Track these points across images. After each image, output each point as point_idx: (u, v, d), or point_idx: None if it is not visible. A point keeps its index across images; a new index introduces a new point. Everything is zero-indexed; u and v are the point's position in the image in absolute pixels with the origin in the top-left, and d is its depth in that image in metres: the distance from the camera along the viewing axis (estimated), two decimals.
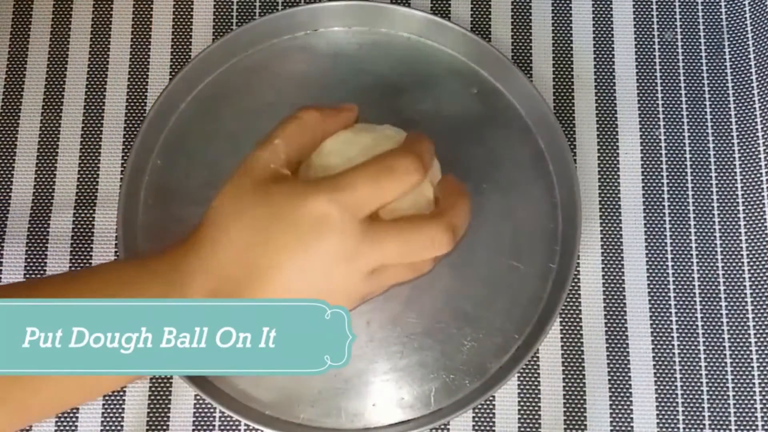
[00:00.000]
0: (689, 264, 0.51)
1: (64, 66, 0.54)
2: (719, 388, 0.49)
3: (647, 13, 0.55)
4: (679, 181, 0.52)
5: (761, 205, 0.51)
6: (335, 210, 0.35)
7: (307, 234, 0.35)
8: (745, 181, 0.52)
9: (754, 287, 0.50)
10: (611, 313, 0.50)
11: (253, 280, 0.36)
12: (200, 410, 0.49)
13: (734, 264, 0.51)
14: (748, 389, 0.49)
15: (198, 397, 0.49)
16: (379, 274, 0.37)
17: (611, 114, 0.53)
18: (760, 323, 0.49)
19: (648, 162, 0.52)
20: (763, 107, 0.53)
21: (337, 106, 0.41)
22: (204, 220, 0.38)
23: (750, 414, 0.48)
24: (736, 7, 0.55)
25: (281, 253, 0.36)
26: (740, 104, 0.53)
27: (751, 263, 0.50)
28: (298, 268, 0.36)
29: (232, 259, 0.36)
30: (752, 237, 0.51)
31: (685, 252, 0.51)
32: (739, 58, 0.54)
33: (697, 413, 0.48)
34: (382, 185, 0.36)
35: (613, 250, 0.51)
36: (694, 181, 0.52)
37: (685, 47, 0.54)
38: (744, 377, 0.49)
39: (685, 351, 0.49)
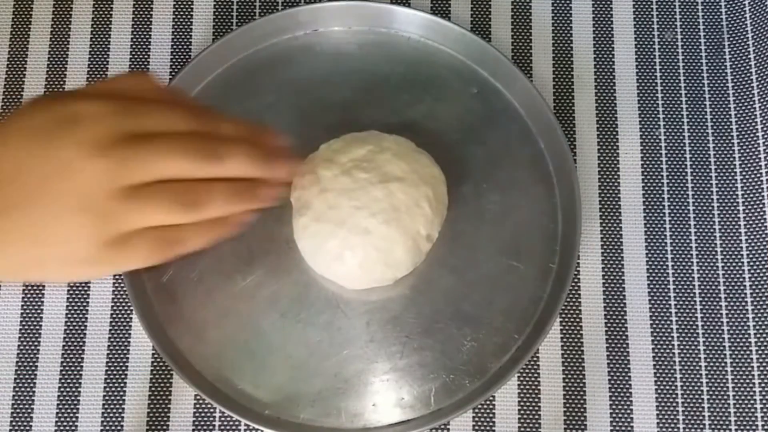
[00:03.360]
0: (689, 264, 0.51)
1: (64, 66, 0.54)
2: (719, 388, 0.49)
3: (647, 13, 0.55)
4: (679, 181, 0.52)
5: (761, 205, 0.51)
6: (102, 108, 0.35)
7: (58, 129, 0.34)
8: (745, 181, 0.52)
9: (754, 287, 0.50)
10: (611, 313, 0.50)
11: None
12: (200, 410, 0.49)
13: (734, 264, 0.51)
14: (748, 389, 0.49)
15: (198, 397, 0.49)
16: (140, 194, 0.35)
17: (611, 114, 0.53)
18: (760, 323, 0.49)
19: (648, 162, 0.52)
20: (763, 107, 0.53)
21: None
22: None
23: (750, 414, 0.48)
24: (736, 7, 0.55)
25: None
26: (740, 104, 0.53)
27: (751, 263, 0.50)
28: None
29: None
30: (752, 237, 0.51)
31: (685, 252, 0.51)
32: (739, 58, 0.54)
33: (697, 413, 0.48)
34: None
35: (613, 250, 0.51)
36: (694, 181, 0.52)
37: (685, 47, 0.54)
38: (744, 377, 0.49)
39: (685, 351, 0.49)
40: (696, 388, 0.49)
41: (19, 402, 0.49)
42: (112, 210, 0.34)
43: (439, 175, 0.48)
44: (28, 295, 0.50)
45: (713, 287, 0.50)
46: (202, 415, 0.49)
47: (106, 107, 0.35)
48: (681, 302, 0.50)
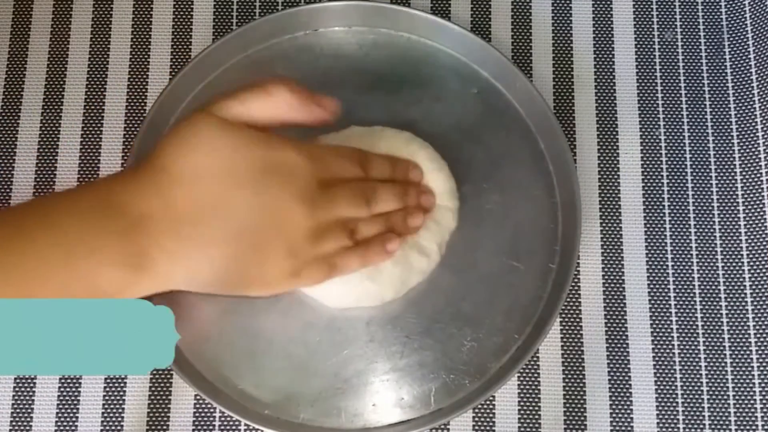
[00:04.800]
0: (689, 264, 0.51)
1: (64, 66, 0.54)
2: (719, 388, 0.49)
3: (647, 13, 0.55)
4: (679, 181, 0.52)
5: (761, 205, 0.51)
6: (303, 160, 0.40)
7: (270, 175, 0.39)
8: (745, 181, 0.52)
9: (754, 287, 0.50)
10: (611, 313, 0.50)
11: (211, 211, 0.37)
12: (200, 410, 0.49)
13: (734, 264, 0.51)
14: (748, 389, 0.49)
15: (198, 397, 0.49)
16: (321, 232, 0.41)
17: (611, 114, 0.53)
18: (760, 323, 0.49)
19: (648, 162, 0.52)
20: (763, 107, 0.53)
21: (318, 97, 0.42)
22: (157, 153, 0.38)
23: (750, 414, 0.48)
24: (736, 7, 0.55)
25: (238, 187, 0.38)
26: (740, 104, 0.53)
27: (751, 263, 0.50)
28: (254, 204, 0.38)
29: (187, 193, 0.37)
30: (752, 237, 0.51)
31: (685, 252, 0.51)
32: (739, 58, 0.54)
33: (697, 413, 0.48)
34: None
35: (613, 250, 0.51)
36: (694, 181, 0.52)
37: (685, 47, 0.54)
38: (744, 377, 0.49)
39: (685, 351, 0.49)
40: (696, 388, 0.49)
41: (19, 402, 0.49)
42: (302, 247, 0.40)
43: (432, 182, 0.48)
44: None
45: (713, 287, 0.50)
46: (202, 415, 0.49)
47: (305, 160, 0.40)
48: (681, 302, 0.50)
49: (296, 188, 0.39)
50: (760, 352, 0.49)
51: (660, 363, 0.49)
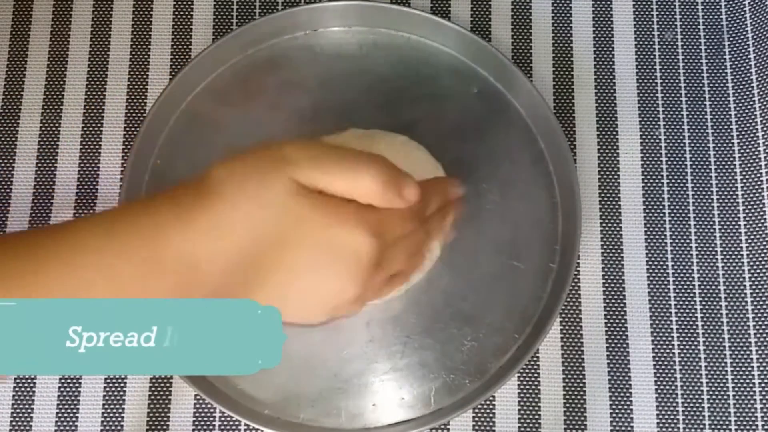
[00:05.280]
0: (689, 264, 0.51)
1: (64, 66, 0.54)
2: (719, 388, 0.49)
3: (647, 13, 0.55)
4: (679, 181, 0.52)
5: (761, 205, 0.51)
6: (368, 240, 0.37)
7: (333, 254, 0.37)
8: (745, 181, 0.52)
9: (754, 287, 0.50)
10: (611, 313, 0.50)
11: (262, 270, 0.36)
12: (200, 410, 0.49)
13: (734, 264, 0.51)
14: (748, 389, 0.49)
15: (198, 397, 0.49)
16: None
17: (611, 114, 0.53)
18: (760, 323, 0.49)
19: (648, 162, 0.52)
20: (763, 107, 0.53)
21: (402, 184, 0.39)
22: (210, 186, 0.35)
23: (750, 414, 0.48)
24: (736, 7, 0.55)
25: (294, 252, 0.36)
26: (740, 104, 0.53)
27: (751, 263, 0.50)
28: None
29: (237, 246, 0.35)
30: (752, 237, 0.51)
31: (685, 252, 0.51)
32: (739, 58, 0.54)
33: (697, 413, 0.48)
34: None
35: (613, 250, 0.51)
36: (694, 181, 0.52)
37: (685, 47, 0.54)
38: (744, 377, 0.49)
39: (685, 351, 0.49)
40: (696, 388, 0.49)
41: (19, 402, 0.49)
42: (343, 307, 0.38)
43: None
44: None
45: (713, 287, 0.50)
46: (202, 415, 0.49)
47: (371, 238, 0.37)
48: (681, 302, 0.50)
49: (356, 272, 0.37)
50: (760, 352, 0.49)
51: (660, 363, 0.49)
